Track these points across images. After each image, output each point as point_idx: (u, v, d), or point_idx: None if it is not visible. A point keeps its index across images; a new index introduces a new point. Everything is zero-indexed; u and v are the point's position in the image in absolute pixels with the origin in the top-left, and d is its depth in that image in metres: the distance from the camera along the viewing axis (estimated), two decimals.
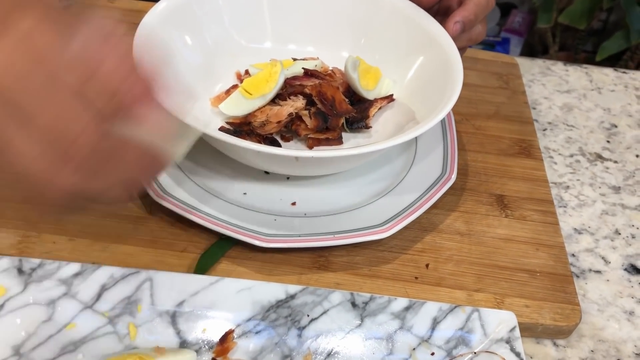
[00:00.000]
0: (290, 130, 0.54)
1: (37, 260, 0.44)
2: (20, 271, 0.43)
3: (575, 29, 1.60)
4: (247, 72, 0.58)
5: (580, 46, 1.66)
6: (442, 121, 0.58)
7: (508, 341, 0.43)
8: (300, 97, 0.54)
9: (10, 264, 0.43)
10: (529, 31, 1.83)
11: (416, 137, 0.56)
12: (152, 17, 0.53)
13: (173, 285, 0.44)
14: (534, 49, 1.84)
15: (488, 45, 1.79)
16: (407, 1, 0.58)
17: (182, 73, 0.55)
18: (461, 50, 0.59)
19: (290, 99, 0.54)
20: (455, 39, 0.55)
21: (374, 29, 0.60)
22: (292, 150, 0.45)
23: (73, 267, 0.44)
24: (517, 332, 0.44)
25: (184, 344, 0.42)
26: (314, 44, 0.61)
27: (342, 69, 0.58)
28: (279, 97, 0.55)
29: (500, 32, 1.83)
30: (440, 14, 0.58)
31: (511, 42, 1.79)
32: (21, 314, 0.42)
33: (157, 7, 0.54)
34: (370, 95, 0.57)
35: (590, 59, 1.68)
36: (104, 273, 0.44)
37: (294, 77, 0.56)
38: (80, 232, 0.48)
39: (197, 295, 0.44)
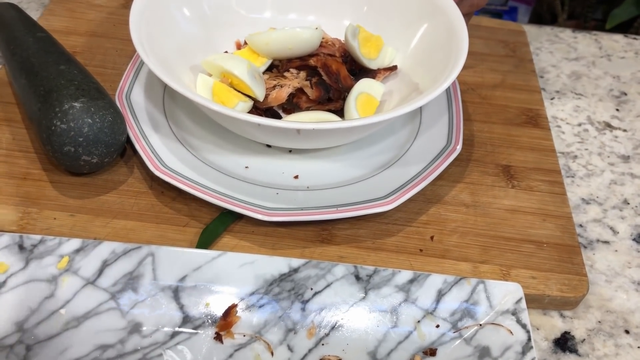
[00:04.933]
0: (291, 102, 0.53)
1: (38, 237, 0.43)
2: (21, 247, 0.43)
3: None
4: (245, 42, 0.57)
5: (589, 14, 1.63)
6: (447, 91, 0.57)
7: (514, 313, 0.43)
8: (296, 71, 0.53)
9: (11, 241, 0.43)
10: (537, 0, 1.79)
11: (420, 108, 0.55)
12: None
13: (175, 260, 0.44)
14: (542, 18, 1.81)
15: (495, 15, 1.76)
16: None
17: (181, 44, 0.54)
18: (465, 16, 0.58)
19: (289, 72, 0.53)
20: (457, 5, 0.54)
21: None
22: (293, 122, 0.44)
23: (74, 243, 0.43)
24: (524, 304, 0.43)
25: (187, 319, 0.42)
26: (315, 13, 0.60)
27: (343, 39, 0.57)
28: (277, 70, 0.54)
29: (508, 1, 1.80)
30: None
31: (519, 10, 1.76)
32: (23, 291, 0.42)
33: None
34: (372, 65, 0.56)
35: (600, 27, 1.64)
36: (106, 249, 0.43)
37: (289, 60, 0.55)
38: (81, 208, 0.48)
39: (200, 270, 0.43)
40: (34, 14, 0.67)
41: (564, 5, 1.65)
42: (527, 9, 1.80)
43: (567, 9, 1.65)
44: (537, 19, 1.82)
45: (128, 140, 0.50)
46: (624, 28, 1.57)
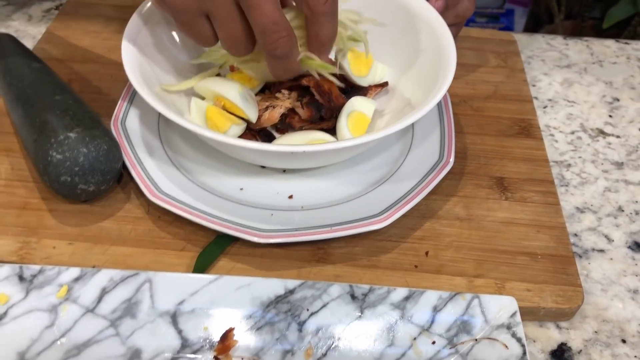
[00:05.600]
0: (284, 122, 0.54)
1: (37, 267, 0.44)
2: (21, 278, 0.44)
3: None
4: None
5: (586, 13, 1.63)
6: (439, 104, 0.58)
7: (509, 327, 0.43)
8: (287, 92, 0.53)
9: (11, 272, 0.44)
10: (534, 1, 1.79)
11: (412, 123, 0.56)
12: (138, 17, 0.53)
13: (172, 285, 0.44)
14: (540, 19, 1.81)
15: (492, 18, 1.76)
16: None
17: (174, 68, 0.55)
18: (453, 27, 0.59)
19: (281, 93, 0.54)
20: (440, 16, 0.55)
21: (365, 14, 0.59)
22: (284, 146, 0.44)
23: (73, 272, 0.44)
24: (518, 317, 0.43)
25: (185, 344, 0.43)
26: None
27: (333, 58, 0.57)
28: (270, 91, 0.54)
29: (504, 3, 1.80)
30: None
31: (515, 13, 1.76)
32: (24, 321, 0.43)
33: (144, 6, 0.54)
34: (363, 82, 0.57)
35: (597, 26, 1.64)
36: (104, 276, 0.44)
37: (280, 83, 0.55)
38: (80, 236, 0.48)
39: (197, 294, 0.44)
40: (31, 41, 0.68)
41: (561, 5, 1.65)
42: (524, 11, 1.80)
43: (564, 9, 1.66)
44: (535, 20, 1.83)
45: (124, 166, 0.51)
46: (622, 26, 1.57)
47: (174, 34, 0.56)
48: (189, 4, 0.45)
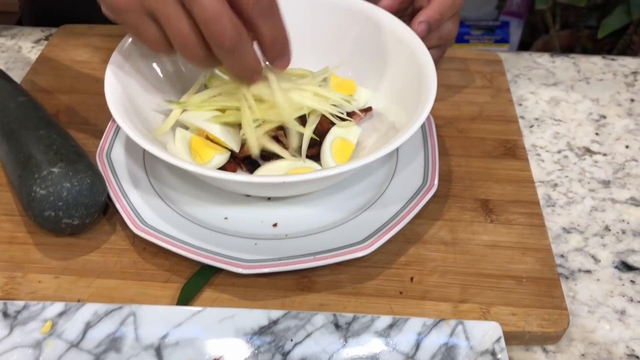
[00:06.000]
0: (269, 151, 0.54)
1: (21, 303, 0.44)
2: (5, 314, 0.44)
3: (576, 6, 1.58)
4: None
5: (582, 23, 1.63)
6: (422, 127, 0.58)
7: (493, 353, 0.43)
8: None
9: None
10: (530, 12, 1.80)
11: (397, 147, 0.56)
12: (121, 50, 0.53)
13: (156, 318, 0.44)
14: (536, 30, 1.82)
15: (487, 30, 1.77)
16: (376, 8, 0.58)
17: (158, 99, 0.55)
18: (437, 49, 0.59)
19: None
20: (423, 39, 0.55)
21: (346, 40, 0.60)
22: (266, 177, 0.45)
23: (57, 307, 0.44)
24: (502, 343, 0.43)
25: None
26: None
27: None
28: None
29: (500, 15, 1.81)
30: (414, 15, 0.58)
31: (511, 24, 1.77)
32: (8, 358, 0.43)
33: (127, 39, 0.54)
34: (347, 108, 0.57)
35: (593, 36, 1.64)
36: (88, 310, 0.44)
37: None
38: (65, 269, 0.49)
39: (181, 326, 0.44)
40: (19, 73, 0.68)
41: (556, 16, 1.66)
42: (519, 22, 1.81)
43: (559, 19, 1.66)
44: (531, 31, 1.83)
45: (109, 198, 0.51)
46: (618, 35, 1.57)
47: (155, 65, 0.56)
48: (130, 3, 0.44)
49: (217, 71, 0.55)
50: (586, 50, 1.69)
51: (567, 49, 1.68)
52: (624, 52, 1.55)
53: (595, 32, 1.58)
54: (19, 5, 0.86)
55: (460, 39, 1.71)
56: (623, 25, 1.52)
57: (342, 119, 0.54)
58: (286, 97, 0.51)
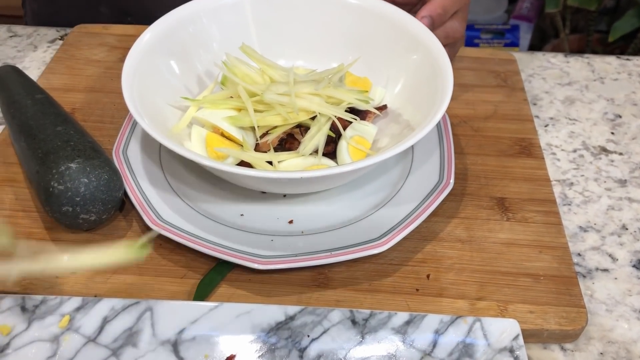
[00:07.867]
0: (284, 147, 0.54)
1: (39, 297, 0.44)
2: (23, 309, 0.44)
3: (586, 10, 1.57)
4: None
5: (592, 27, 1.63)
6: (438, 126, 0.58)
7: (511, 350, 0.43)
8: None
9: (14, 303, 0.44)
10: (540, 16, 1.80)
11: (412, 145, 0.56)
12: (138, 48, 0.53)
13: (173, 313, 0.44)
14: (546, 34, 1.81)
15: (497, 34, 1.77)
16: (391, 6, 0.58)
17: (175, 97, 0.56)
18: (448, 48, 0.59)
19: None
20: None
21: (362, 38, 0.60)
22: (284, 172, 0.44)
23: (74, 302, 0.44)
24: (521, 341, 0.43)
25: None
26: (303, 58, 0.61)
27: None
28: None
29: (509, 19, 1.81)
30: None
31: (521, 28, 1.76)
32: (26, 351, 0.43)
33: (143, 37, 0.54)
34: (362, 107, 0.57)
35: (604, 40, 1.64)
36: (105, 305, 0.44)
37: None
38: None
39: (197, 322, 0.44)
40: (36, 72, 0.69)
41: (566, 20, 1.65)
42: (529, 26, 1.80)
43: (569, 23, 1.66)
44: (541, 35, 1.83)
45: (126, 194, 0.51)
46: (629, 39, 1.57)
47: (172, 62, 0.57)
48: None
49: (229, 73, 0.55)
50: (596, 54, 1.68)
51: (577, 53, 1.68)
52: (635, 55, 1.55)
53: (605, 36, 1.58)
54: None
55: (470, 42, 1.71)
56: (633, 29, 1.52)
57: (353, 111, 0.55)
58: (293, 103, 0.51)
